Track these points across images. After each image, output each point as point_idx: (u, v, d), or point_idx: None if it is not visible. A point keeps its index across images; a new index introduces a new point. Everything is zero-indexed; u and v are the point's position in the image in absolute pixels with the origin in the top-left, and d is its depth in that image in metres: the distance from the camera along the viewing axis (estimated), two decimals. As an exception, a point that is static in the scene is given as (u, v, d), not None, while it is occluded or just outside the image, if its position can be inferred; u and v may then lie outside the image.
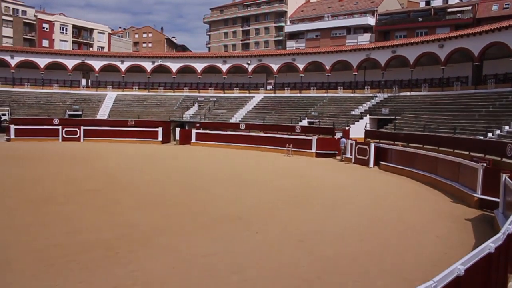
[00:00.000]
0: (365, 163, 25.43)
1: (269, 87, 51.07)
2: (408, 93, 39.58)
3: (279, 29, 75.15)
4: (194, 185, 18.31)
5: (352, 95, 43.14)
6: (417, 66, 40.08)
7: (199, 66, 50.36)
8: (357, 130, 33.68)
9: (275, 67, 47.87)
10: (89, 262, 8.46)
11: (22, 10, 73.18)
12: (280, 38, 74.53)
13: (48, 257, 8.71)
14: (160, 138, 40.71)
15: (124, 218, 12.29)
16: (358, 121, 36.35)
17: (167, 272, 8.08)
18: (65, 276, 7.76)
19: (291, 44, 68.57)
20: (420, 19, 56.71)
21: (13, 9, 71.61)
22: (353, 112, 38.77)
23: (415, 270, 8.39)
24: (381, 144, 26.00)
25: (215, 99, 47.51)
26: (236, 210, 13.42)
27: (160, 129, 40.90)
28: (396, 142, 27.91)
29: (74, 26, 78.85)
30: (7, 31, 69.70)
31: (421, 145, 25.61)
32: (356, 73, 43.69)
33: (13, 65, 48.58)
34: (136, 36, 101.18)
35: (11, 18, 70.40)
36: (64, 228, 11.00)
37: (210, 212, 13.18)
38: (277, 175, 21.81)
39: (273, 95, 47.72)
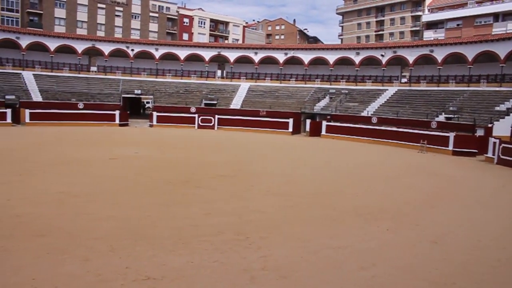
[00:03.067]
0: (511, 164, 23.19)
1: (404, 79, 48.87)
2: None
3: (416, 18, 71.61)
4: (322, 177, 18.16)
5: (497, 89, 39.45)
6: None
7: (331, 57, 49.80)
8: (502, 128, 30.75)
9: (410, 58, 45.59)
10: (222, 244, 8.81)
11: (166, 7, 78.79)
12: (417, 28, 70.99)
13: (185, 235, 9.26)
14: (290, 129, 41.18)
15: (255, 204, 12.58)
16: (503, 117, 33.15)
17: (295, 260, 8.10)
18: (200, 255, 8.18)
19: (429, 35, 64.84)
20: None
21: (159, 6, 77.40)
22: (497, 108, 35.49)
23: None
24: (531, 144, 23.49)
25: (346, 91, 46.66)
26: (364, 205, 13.04)
27: (290, 120, 41.38)
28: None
29: (211, 20, 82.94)
30: (153, 26, 75.55)
31: None
32: (503, 64, 39.88)
33: (157, 57, 52.44)
34: (269, 28, 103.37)
35: (156, 14, 76.17)
36: (200, 210, 11.57)
37: (339, 204, 12.98)
38: (409, 172, 20.82)
39: (407, 88, 45.56)
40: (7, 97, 40.48)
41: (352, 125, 37.97)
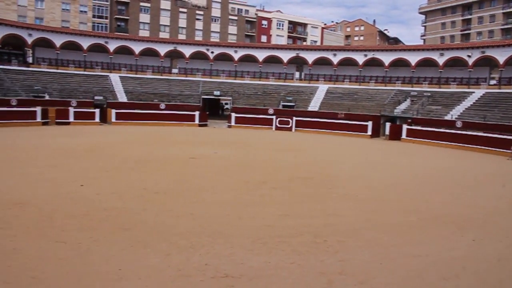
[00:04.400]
0: None
1: (493, 81, 46.13)
2: None
3: (508, 15, 67.41)
4: (402, 182, 17.54)
5: None
6: None
7: (412, 59, 48.09)
8: None
9: (501, 59, 42.93)
10: (299, 246, 8.81)
11: (245, 10, 79.89)
12: (509, 26, 66.79)
13: (263, 236, 9.35)
14: (369, 132, 40.27)
15: (333, 207, 12.45)
16: None
17: (374, 266, 7.93)
18: (277, 255, 8.23)
19: (523, 33, 60.87)
20: None
21: (238, 9, 78.69)
22: None
23: None
24: None
25: (429, 94, 44.76)
26: (448, 213, 12.43)
27: (369, 123, 40.44)
28: None
29: (289, 22, 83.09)
30: (232, 29, 76.94)
31: None
32: None
33: (236, 59, 53.29)
34: (348, 29, 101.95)
35: (235, 17, 77.51)
36: (277, 211, 11.64)
37: (421, 211, 12.49)
38: (497, 180, 19.57)
39: (497, 90, 42.87)
40: (96, 97, 43.03)
41: (434, 129, 36.38)
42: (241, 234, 9.35)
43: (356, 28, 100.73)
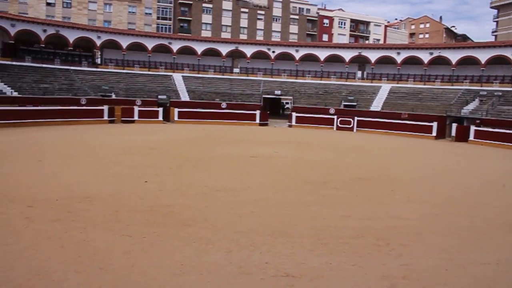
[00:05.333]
0: None
1: None
2: None
3: None
4: (469, 186, 16.76)
5: None
6: None
7: (482, 56, 45.90)
8: None
9: None
10: (361, 248, 8.65)
11: (306, 9, 79.58)
12: None
13: (324, 236, 9.26)
14: (434, 133, 38.88)
15: (395, 210, 12.10)
16: None
17: (439, 272, 7.64)
18: (338, 257, 8.12)
19: None
20: None
21: (299, 8, 78.51)
22: None
23: None
24: None
25: (500, 93, 42.60)
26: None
27: (434, 124, 39.02)
28: None
29: (351, 20, 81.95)
30: (293, 28, 76.91)
31: None
32: None
33: (297, 58, 53.11)
34: (413, 27, 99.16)
35: (296, 17, 77.43)
36: (339, 211, 11.49)
37: (489, 217, 11.87)
38: None
39: None
40: (159, 97, 44.30)
41: (506, 130, 34.52)
42: (302, 234, 9.30)
43: (421, 26, 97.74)
